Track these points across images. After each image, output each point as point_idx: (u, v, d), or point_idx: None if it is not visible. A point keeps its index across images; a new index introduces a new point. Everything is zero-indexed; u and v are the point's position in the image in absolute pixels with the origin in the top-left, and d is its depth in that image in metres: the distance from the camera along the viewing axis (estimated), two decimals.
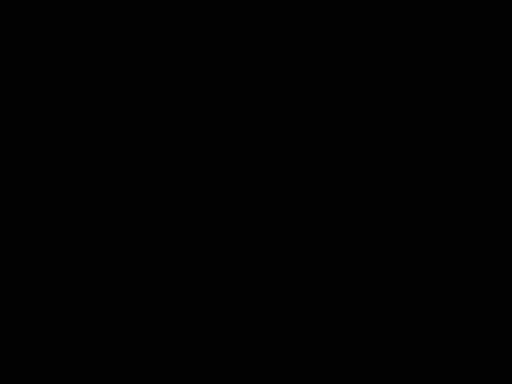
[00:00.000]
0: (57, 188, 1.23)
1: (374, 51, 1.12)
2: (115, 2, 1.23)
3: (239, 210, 1.18)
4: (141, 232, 1.21)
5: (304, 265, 1.12)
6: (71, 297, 1.16)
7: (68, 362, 1.09)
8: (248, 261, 1.16)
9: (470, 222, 1.05)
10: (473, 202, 1.05)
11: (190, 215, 1.20)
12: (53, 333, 1.13)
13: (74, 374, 1.08)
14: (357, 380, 1.03)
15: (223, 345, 1.10)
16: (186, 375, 1.08)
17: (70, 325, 1.14)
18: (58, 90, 1.26)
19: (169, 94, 1.24)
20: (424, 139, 1.09)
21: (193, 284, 1.17)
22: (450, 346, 1.01)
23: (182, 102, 1.24)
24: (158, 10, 1.22)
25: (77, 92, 1.26)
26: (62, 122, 1.25)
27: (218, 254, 1.17)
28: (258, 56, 1.18)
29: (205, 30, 1.20)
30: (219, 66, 1.21)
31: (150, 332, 1.13)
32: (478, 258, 1.04)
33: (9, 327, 1.12)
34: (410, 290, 1.06)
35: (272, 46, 1.17)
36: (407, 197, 1.09)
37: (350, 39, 1.13)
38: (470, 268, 1.04)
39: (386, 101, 1.12)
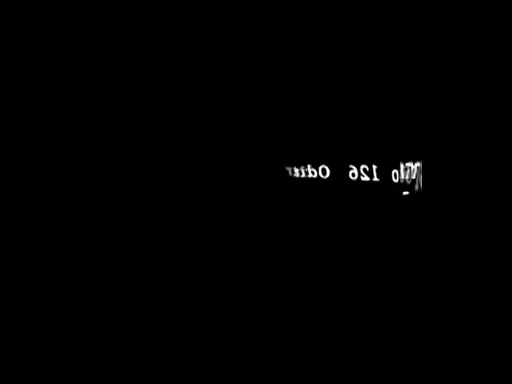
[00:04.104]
0: (58, 186, 1.23)
1: (373, 51, 1.12)
2: (115, 2, 1.23)
3: (239, 210, 1.18)
4: (140, 231, 1.20)
5: (303, 265, 1.12)
6: (71, 296, 1.16)
7: (68, 362, 1.09)
8: (247, 261, 1.15)
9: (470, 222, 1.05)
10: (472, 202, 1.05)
11: (189, 214, 1.20)
12: (52, 332, 1.13)
13: (73, 374, 1.08)
14: (356, 380, 1.03)
15: (223, 344, 1.10)
16: (185, 375, 1.08)
17: (69, 324, 1.13)
18: (57, 89, 1.26)
19: (168, 93, 1.24)
20: (424, 139, 1.09)
21: (192, 284, 1.16)
22: (449, 346, 1.01)
23: (182, 101, 1.24)
24: (158, 10, 1.22)
25: (76, 91, 1.26)
26: (61, 121, 1.25)
27: (217, 255, 1.17)
28: (257, 55, 1.18)
29: (205, 29, 1.21)
30: (219, 65, 1.21)
31: (149, 332, 1.13)
32: (477, 257, 1.04)
33: (8, 327, 1.12)
34: (409, 290, 1.06)
35: (272, 46, 1.17)
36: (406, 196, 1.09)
37: (350, 39, 1.14)
38: (468, 268, 1.04)
39: (385, 100, 1.12)
